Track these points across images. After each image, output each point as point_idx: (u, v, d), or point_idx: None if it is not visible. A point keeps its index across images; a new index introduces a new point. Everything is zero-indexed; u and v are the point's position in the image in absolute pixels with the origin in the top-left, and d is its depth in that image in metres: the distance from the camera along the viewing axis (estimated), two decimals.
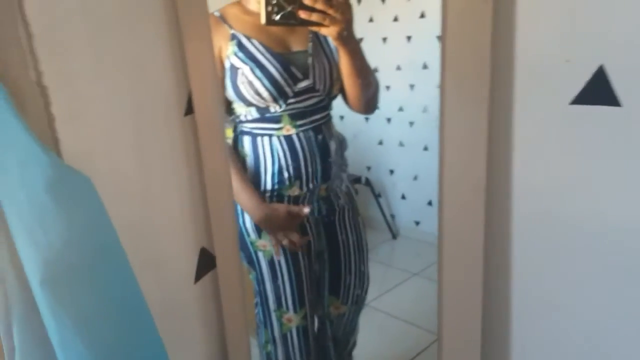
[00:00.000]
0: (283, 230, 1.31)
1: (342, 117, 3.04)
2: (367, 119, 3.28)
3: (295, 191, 1.31)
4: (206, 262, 0.86)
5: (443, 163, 0.80)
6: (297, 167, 1.28)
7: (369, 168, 3.47)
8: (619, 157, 0.72)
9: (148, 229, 0.75)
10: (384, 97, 3.06)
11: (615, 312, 0.75)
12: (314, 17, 1.07)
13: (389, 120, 3.25)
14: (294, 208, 1.30)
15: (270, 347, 1.46)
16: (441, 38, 0.78)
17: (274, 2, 1.03)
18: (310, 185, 1.33)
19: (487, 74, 0.76)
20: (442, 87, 0.79)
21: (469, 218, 0.78)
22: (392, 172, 3.37)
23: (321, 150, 1.31)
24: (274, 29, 1.23)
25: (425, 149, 3.15)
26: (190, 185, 0.81)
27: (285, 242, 1.32)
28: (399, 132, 3.23)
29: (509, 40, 0.75)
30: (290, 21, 1.06)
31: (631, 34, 0.68)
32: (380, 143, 3.35)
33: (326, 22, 1.09)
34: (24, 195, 0.59)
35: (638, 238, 0.71)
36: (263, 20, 1.04)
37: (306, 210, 1.31)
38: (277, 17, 1.04)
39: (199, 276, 0.85)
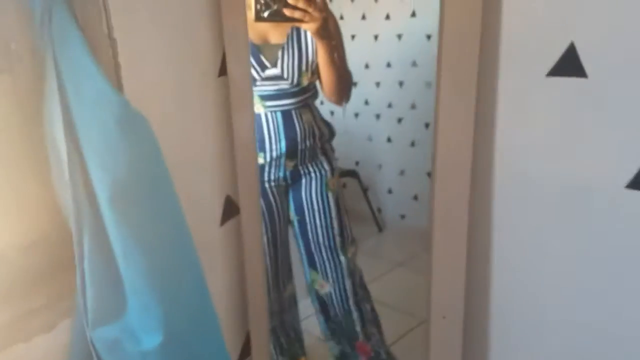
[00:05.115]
0: None
1: (332, 113, 3.13)
2: (356, 115, 3.40)
3: (259, 160, 1.51)
4: (230, 209, 0.98)
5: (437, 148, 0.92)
6: (261, 141, 1.50)
7: (357, 163, 3.60)
8: (586, 122, 0.86)
9: (183, 172, 0.87)
10: (373, 94, 3.19)
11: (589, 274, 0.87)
12: (296, 14, 1.26)
13: (378, 116, 3.39)
14: None
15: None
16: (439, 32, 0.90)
17: (262, 1, 1.20)
18: (273, 160, 1.54)
19: (476, 62, 0.88)
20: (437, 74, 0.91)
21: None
22: (380, 167, 3.51)
23: (287, 130, 1.52)
24: (260, 23, 1.41)
25: (412, 144, 3.29)
26: (220, 138, 0.93)
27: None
28: (388, 128, 3.36)
29: (495, 31, 0.89)
30: (276, 18, 1.25)
31: (597, 13, 0.82)
32: (370, 139, 3.48)
33: (306, 19, 1.28)
34: (96, 128, 0.70)
35: (599, 196, 0.84)
36: (253, 17, 1.22)
37: None
38: (265, 15, 1.22)
39: (224, 220, 0.98)
